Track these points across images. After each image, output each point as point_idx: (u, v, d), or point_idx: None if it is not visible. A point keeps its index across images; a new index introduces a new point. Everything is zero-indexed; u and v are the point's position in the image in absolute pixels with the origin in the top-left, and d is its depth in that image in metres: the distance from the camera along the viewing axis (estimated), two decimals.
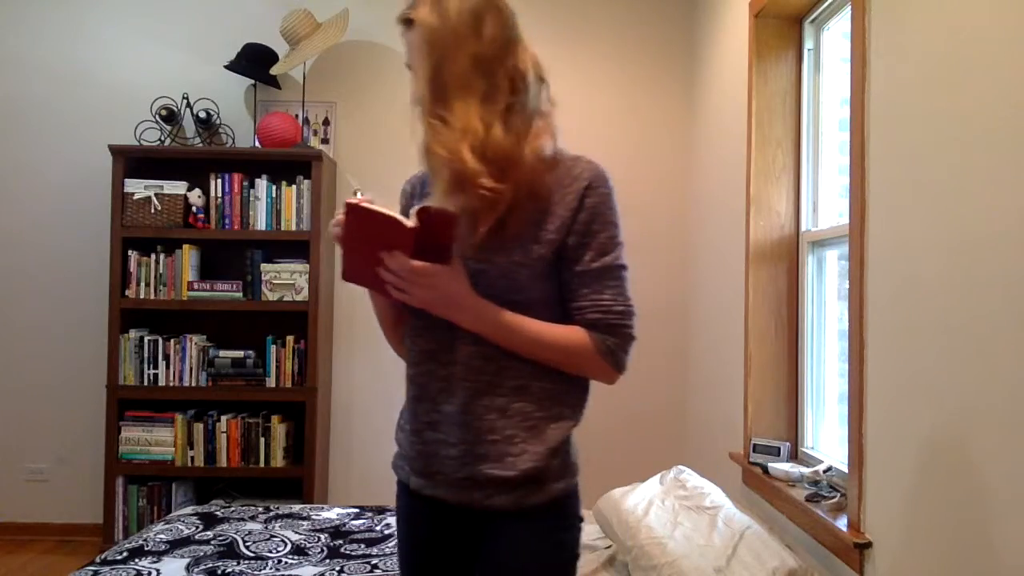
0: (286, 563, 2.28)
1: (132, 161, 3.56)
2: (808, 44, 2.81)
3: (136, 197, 3.51)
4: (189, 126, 3.75)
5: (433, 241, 1.17)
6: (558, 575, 1.30)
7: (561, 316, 1.27)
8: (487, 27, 1.23)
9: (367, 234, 1.20)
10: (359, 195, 1.22)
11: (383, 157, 3.75)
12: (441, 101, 1.22)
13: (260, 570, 2.22)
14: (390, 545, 2.45)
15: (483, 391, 1.26)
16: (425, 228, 1.16)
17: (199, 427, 3.49)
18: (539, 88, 1.27)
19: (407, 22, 1.26)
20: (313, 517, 2.73)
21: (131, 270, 3.53)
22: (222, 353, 3.53)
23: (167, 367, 3.52)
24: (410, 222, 1.15)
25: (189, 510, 2.82)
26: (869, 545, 1.92)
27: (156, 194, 3.52)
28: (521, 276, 1.24)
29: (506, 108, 1.23)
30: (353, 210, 1.19)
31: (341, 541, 2.49)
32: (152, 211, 3.51)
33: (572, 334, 1.26)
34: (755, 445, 2.72)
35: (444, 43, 1.22)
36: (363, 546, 2.45)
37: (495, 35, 1.23)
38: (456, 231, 1.18)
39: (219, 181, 3.57)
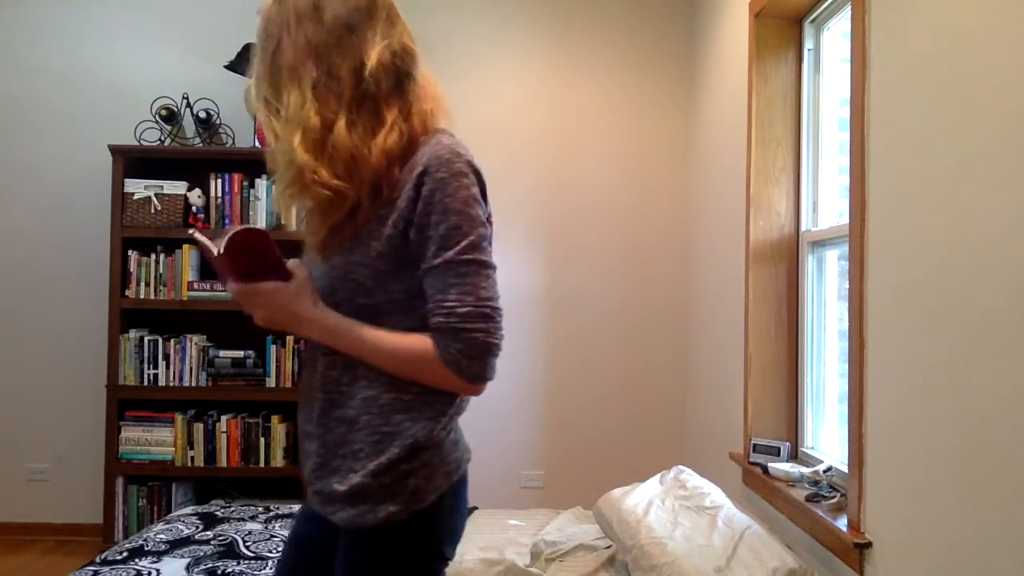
0: None
1: (132, 161, 3.56)
2: (808, 44, 2.81)
3: (136, 197, 3.51)
4: (189, 126, 3.75)
5: (257, 261, 1.13)
6: None
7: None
8: (327, 13, 1.15)
9: (213, 264, 1.18)
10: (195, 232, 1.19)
11: None
12: (275, 91, 1.16)
13: (260, 570, 2.22)
14: None
15: (336, 403, 1.19)
16: (235, 252, 1.11)
17: (199, 427, 3.49)
18: (396, 79, 1.17)
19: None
20: None
21: (131, 270, 3.53)
22: (222, 353, 3.53)
23: (167, 367, 3.52)
24: (215, 249, 1.12)
25: (189, 510, 2.82)
26: (869, 545, 1.92)
27: (156, 194, 3.52)
28: (363, 277, 1.15)
29: (353, 101, 1.14)
30: (195, 243, 1.17)
31: None
32: (152, 211, 3.51)
33: (413, 342, 1.13)
34: (755, 445, 2.71)
35: (279, 30, 1.16)
36: None
37: (334, 22, 1.14)
38: (271, 247, 1.13)
39: (219, 181, 3.57)
